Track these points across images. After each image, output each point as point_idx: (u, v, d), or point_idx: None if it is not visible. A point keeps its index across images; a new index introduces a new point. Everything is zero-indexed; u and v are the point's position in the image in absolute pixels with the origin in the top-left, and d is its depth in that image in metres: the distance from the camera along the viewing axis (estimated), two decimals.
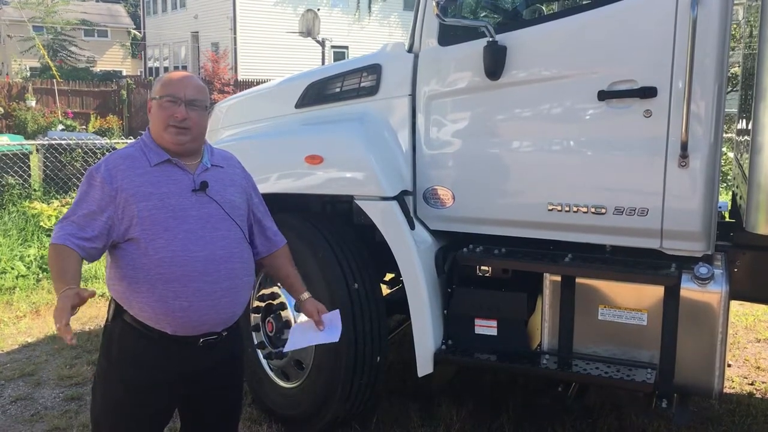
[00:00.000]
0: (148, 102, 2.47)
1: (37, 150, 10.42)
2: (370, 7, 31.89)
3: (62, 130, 17.84)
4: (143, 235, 2.29)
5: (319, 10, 21.82)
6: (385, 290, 4.55)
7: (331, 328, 2.69)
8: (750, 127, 3.01)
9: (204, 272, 2.33)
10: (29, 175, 9.70)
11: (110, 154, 2.45)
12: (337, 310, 2.74)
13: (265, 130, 4.13)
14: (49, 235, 7.75)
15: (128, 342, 2.37)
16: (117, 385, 2.38)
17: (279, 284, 3.53)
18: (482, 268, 3.46)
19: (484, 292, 3.46)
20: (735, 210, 3.78)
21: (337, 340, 2.70)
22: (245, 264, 2.49)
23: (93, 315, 5.88)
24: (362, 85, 3.71)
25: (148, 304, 2.31)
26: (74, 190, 9.17)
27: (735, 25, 5.25)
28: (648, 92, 2.96)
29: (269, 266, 2.77)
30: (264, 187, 3.22)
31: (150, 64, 38.42)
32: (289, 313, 3.73)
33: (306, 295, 2.73)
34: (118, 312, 2.39)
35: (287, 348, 2.81)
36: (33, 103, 22.08)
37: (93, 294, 2.13)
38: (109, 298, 2.45)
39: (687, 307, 3.05)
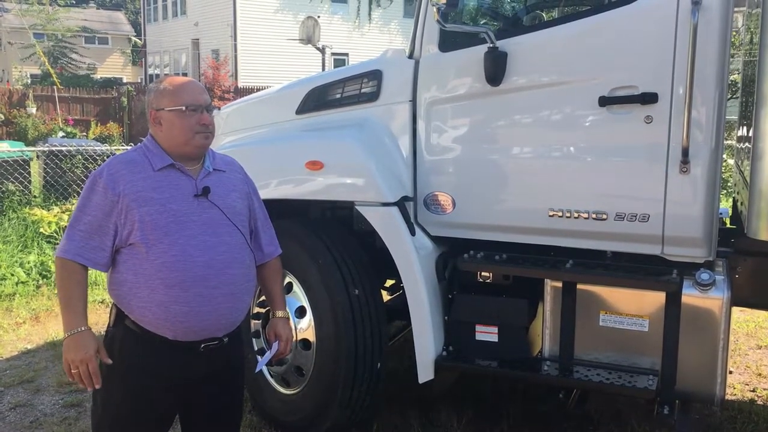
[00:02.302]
0: (151, 112, 2.41)
1: (38, 156, 10.42)
2: (370, 15, 31.91)
3: (63, 137, 17.81)
4: (144, 240, 2.29)
5: (319, 17, 21.85)
6: (386, 296, 4.54)
7: (268, 355, 2.71)
8: (751, 134, 3.01)
9: (205, 277, 2.33)
10: (29, 182, 9.70)
11: (112, 158, 2.44)
12: (274, 350, 2.68)
13: (266, 136, 4.14)
14: (49, 242, 7.74)
15: (129, 347, 2.37)
16: (118, 390, 2.36)
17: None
18: (483, 274, 3.46)
19: (484, 299, 3.45)
20: (736, 216, 3.78)
21: (257, 368, 2.80)
22: (246, 269, 2.49)
23: (94, 321, 5.84)
24: (363, 91, 3.72)
25: (148, 309, 2.31)
26: (75, 196, 9.16)
27: (735, 33, 5.26)
28: (649, 98, 2.97)
29: (257, 275, 2.76)
30: (264, 193, 3.21)
31: (150, 71, 38.45)
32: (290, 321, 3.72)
33: (280, 313, 2.72)
34: (119, 317, 2.39)
35: (258, 368, 2.84)
36: (33, 110, 22.05)
37: (106, 362, 2.31)
38: (110, 303, 2.45)
39: (688, 313, 3.04)
